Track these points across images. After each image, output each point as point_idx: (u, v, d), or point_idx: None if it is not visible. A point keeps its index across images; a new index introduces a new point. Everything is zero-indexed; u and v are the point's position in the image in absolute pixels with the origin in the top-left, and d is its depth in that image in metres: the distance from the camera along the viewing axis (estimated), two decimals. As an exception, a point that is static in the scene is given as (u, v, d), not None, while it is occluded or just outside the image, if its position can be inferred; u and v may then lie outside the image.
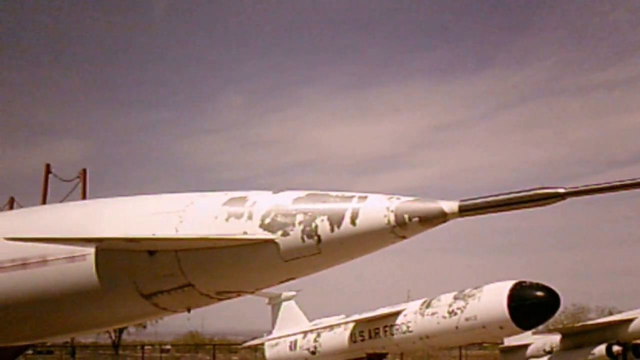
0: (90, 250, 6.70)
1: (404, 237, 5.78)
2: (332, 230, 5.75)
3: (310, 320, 28.15)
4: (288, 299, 28.72)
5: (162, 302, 6.63)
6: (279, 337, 28.18)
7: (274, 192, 6.21)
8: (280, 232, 5.88)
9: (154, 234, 6.31)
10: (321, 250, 5.81)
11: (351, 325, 26.00)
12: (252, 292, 6.54)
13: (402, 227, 5.67)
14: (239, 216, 6.09)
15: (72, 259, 6.85)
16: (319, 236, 5.79)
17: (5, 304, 7.51)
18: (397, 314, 24.48)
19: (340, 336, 26.30)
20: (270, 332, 29.62)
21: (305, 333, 27.41)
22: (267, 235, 5.89)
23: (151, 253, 6.36)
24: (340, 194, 5.89)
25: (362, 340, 25.67)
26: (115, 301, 6.85)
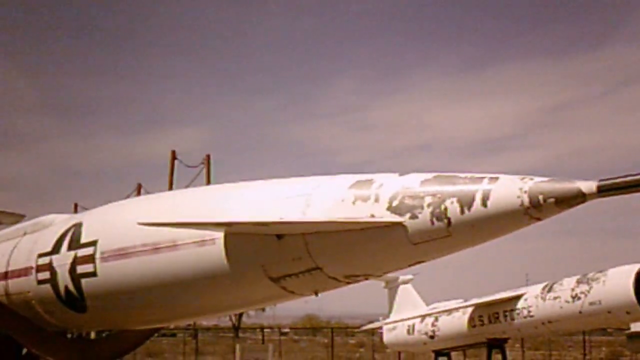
0: (220, 235, 6.81)
1: (538, 219, 5.59)
2: (462, 212, 5.62)
3: (428, 304, 27.90)
4: (405, 282, 28.55)
5: (290, 286, 6.67)
6: (397, 321, 28.08)
7: (400, 175, 6.14)
8: (408, 215, 5.79)
9: (281, 218, 6.35)
10: (451, 233, 5.70)
11: (470, 309, 25.61)
12: (380, 276, 6.51)
13: (536, 209, 5.48)
14: (365, 199, 6.05)
15: (202, 243, 6.98)
16: (448, 219, 5.67)
17: (137, 288, 7.74)
18: (518, 298, 23.99)
19: (459, 320, 25.96)
20: (386, 316, 29.57)
21: (423, 317, 27.18)
22: (395, 218, 5.82)
23: (279, 237, 6.40)
24: (469, 175, 5.75)
25: (482, 324, 25.26)
26: (244, 284, 6.95)
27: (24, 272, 9.43)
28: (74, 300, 8.53)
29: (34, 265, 9.19)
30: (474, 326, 25.47)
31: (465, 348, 28.12)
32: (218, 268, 6.89)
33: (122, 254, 7.78)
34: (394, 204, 5.87)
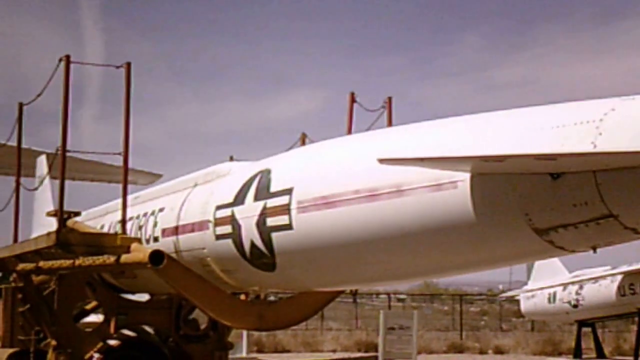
0: (464, 176, 5.48)
1: None
2: None
3: (570, 272, 26.24)
4: (546, 248, 26.96)
5: (560, 240, 5.28)
6: (536, 289, 26.62)
7: None
8: None
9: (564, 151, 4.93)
10: None
11: (619, 277, 24.06)
12: None
13: None
14: None
15: (438, 187, 5.66)
16: None
17: (346, 243, 6.50)
18: (675, 265, 22.51)
19: (606, 289, 24.44)
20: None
21: (565, 285, 25.71)
22: None
23: (555, 176, 5.02)
24: None
25: (633, 293, 23.80)
26: (496, 239, 5.60)
27: (198, 226, 8.38)
28: (261, 257, 7.41)
29: (211, 218, 8.10)
30: (624, 295, 24.07)
31: (613, 318, 26.48)
32: (461, 218, 5.56)
33: (326, 202, 6.56)
34: None
